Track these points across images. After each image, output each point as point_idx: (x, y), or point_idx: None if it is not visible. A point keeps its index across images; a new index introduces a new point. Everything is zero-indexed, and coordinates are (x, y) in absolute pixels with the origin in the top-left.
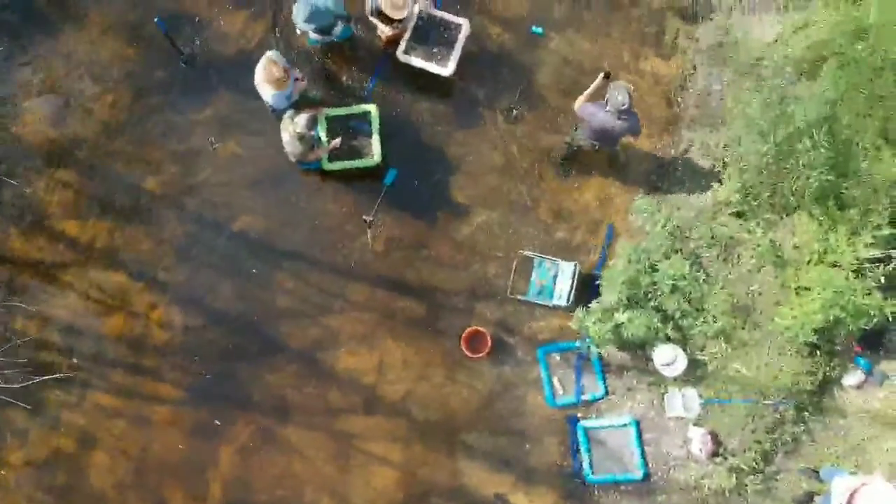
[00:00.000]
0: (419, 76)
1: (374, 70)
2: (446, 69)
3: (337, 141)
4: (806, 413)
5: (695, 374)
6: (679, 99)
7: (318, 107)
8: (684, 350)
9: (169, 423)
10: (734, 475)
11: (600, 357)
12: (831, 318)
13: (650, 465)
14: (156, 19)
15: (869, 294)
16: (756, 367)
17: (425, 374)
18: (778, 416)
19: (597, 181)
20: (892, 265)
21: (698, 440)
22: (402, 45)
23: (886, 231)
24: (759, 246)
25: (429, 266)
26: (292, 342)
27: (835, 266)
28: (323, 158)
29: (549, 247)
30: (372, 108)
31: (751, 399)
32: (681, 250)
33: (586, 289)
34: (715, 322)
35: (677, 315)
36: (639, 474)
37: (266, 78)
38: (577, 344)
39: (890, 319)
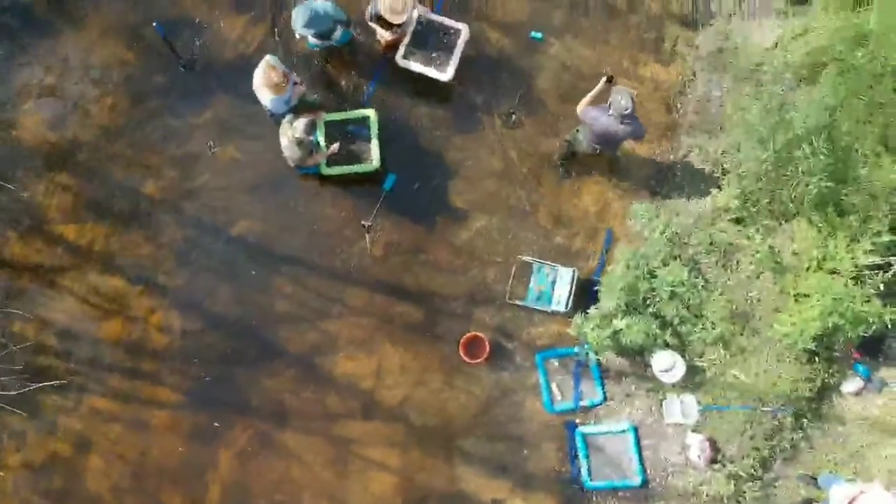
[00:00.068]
0: (418, 81)
1: (373, 75)
2: (445, 74)
3: (335, 146)
4: (804, 420)
5: (693, 380)
6: (678, 105)
7: (317, 111)
8: (683, 356)
9: (167, 427)
10: (732, 482)
11: (599, 363)
12: (830, 325)
13: (648, 472)
14: (154, 24)
15: (868, 301)
16: (755, 374)
17: (423, 380)
18: (776, 423)
19: (596, 186)
20: (891, 272)
21: (696, 447)
22: (402, 50)
23: (886, 238)
24: (758, 252)
25: (427, 271)
26: (291, 347)
27: (834, 273)
28: (321, 163)
29: (548, 252)
30: (371, 113)
31: (749, 406)
32: (679, 256)
33: (585, 294)
34: (713, 328)
35: (676, 321)
36: (637, 481)
37: (265, 82)
38: (576, 350)
39: (889, 327)
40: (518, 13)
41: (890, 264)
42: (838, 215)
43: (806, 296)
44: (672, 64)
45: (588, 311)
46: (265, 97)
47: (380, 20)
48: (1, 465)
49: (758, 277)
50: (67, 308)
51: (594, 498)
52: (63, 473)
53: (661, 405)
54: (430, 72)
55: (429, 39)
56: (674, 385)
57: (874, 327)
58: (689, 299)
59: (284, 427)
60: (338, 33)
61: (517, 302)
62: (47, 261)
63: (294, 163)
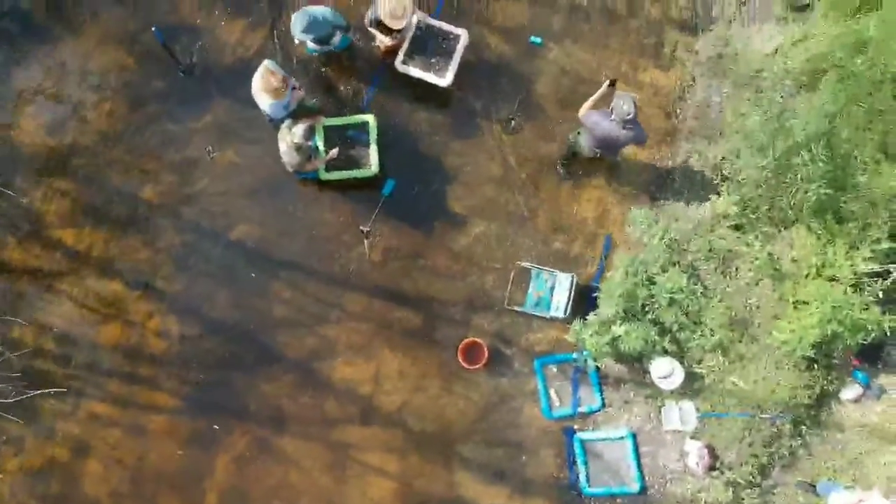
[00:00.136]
0: (417, 86)
1: (372, 80)
2: (444, 80)
3: (334, 152)
4: (803, 427)
5: (692, 387)
6: (678, 110)
7: (316, 116)
8: (681, 363)
9: (165, 432)
10: (731, 489)
11: (597, 369)
12: (829, 332)
13: (647, 479)
14: (153, 29)
15: (867, 309)
16: (753, 381)
17: (422, 385)
18: (775, 430)
19: (595, 192)
20: (890, 280)
21: (695, 454)
22: (401, 56)
23: (885, 245)
24: (757, 259)
25: (426, 276)
26: (289, 352)
27: (833, 280)
28: (320, 168)
29: (547, 258)
30: (370, 119)
31: (748, 413)
32: (678, 263)
33: (584, 300)
34: (712, 335)
35: (675, 328)
36: (635, 487)
37: (263, 87)
38: (574, 356)
39: (888, 334)
40: (517, 18)
41: (889, 272)
42: (837, 222)
43: (805, 303)
44: (672, 69)
45: (587, 317)
46: (264, 102)
47: (379, 25)
48: None
49: (757, 284)
50: (66, 313)
51: None
52: (61, 478)
53: (660, 412)
54: (430, 77)
55: (428, 45)
56: (672, 392)
57: (873, 335)
58: (687, 306)
59: (283, 432)
60: (337, 38)
61: (516, 308)
62: (46, 265)
63: (293, 168)
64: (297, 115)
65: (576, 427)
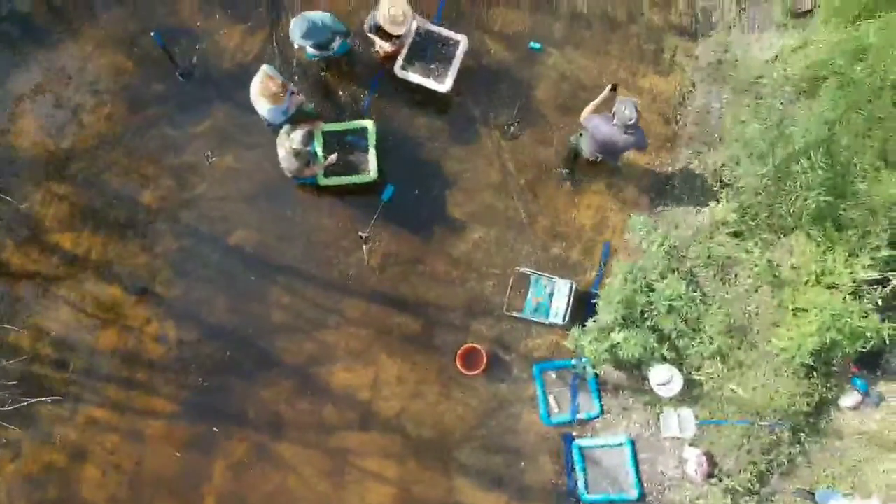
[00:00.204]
0: (416, 91)
1: (372, 85)
2: (444, 85)
3: (333, 157)
4: (802, 434)
5: (691, 394)
6: (677, 116)
7: (315, 121)
8: (680, 370)
9: (163, 437)
10: (729, 496)
11: (596, 376)
12: (828, 340)
13: (645, 486)
14: (152, 33)
15: (866, 316)
16: (752, 388)
17: (420, 391)
18: (774, 438)
19: (594, 197)
20: (889, 287)
21: (694, 461)
22: (400, 61)
23: (884, 253)
24: (756, 266)
25: (425, 282)
26: (287, 357)
27: (832, 288)
28: (319, 174)
29: (546, 264)
30: (369, 124)
31: (747, 420)
32: (677, 270)
33: (583, 307)
34: (711, 342)
35: (674, 335)
36: (634, 494)
37: (262, 92)
38: (573, 363)
39: (887, 342)
40: (517, 24)
41: (888, 279)
42: (837, 230)
43: (804, 310)
44: (671, 75)
45: (585, 324)
46: (262, 107)
47: (379, 31)
48: None
49: (756, 291)
50: (63, 317)
51: None
52: (59, 483)
53: (659, 419)
54: (429, 83)
55: (427, 50)
56: (671, 399)
57: (872, 342)
58: (686, 313)
59: (281, 438)
60: (336, 44)
61: (515, 314)
62: (44, 270)
63: (291, 173)
64: (295, 120)
65: (574, 433)
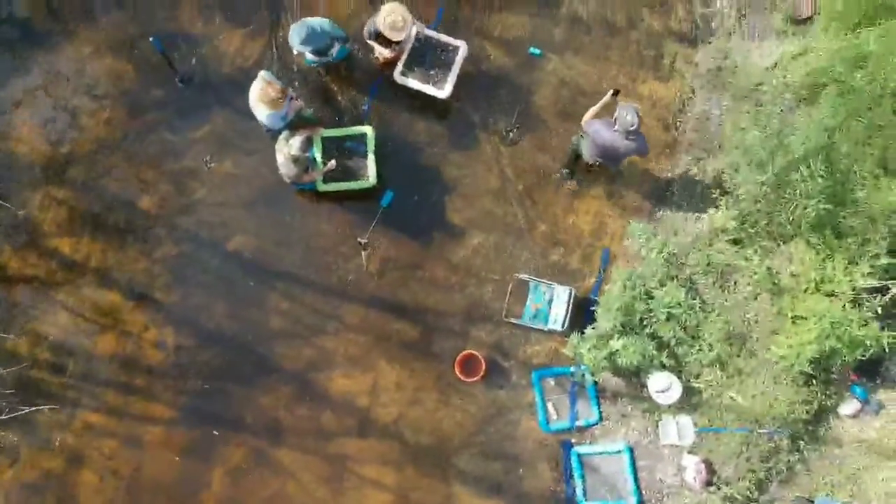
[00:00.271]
0: (416, 97)
1: (371, 91)
2: (443, 91)
3: (332, 163)
4: (801, 442)
5: (690, 401)
6: (677, 122)
7: (314, 127)
8: (679, 377)
9: (161, 443)
10: None
11: (595, 383)
12: (827, 348)
13: (644, 493)
14: (151, 38)
15: (865, 325)
16: (751, 396)
17: (419, 398)
18: (773, 445)
19: (593, 204)
20: (889, 296)
21: (692, 468)
22: (399, 67)
23: (884, 261)
24: (755, 274)
25: (424, 288)
26: (286, 363)
27: (831, 295)
28: (318, 179)
29: (545, 270)
30: (368, 130)
31: (746, 428)
32: (677, 277)
33: (582, 313)
34: (710, 350)
35: (672, 342)
36: (632, 502)
37: (261, 98)
38: (572, 370)
39: (887, 350)
40: (517, 29)
41: (888, 287)
42: (836, 238)
43: (803, 318)
44: (671, 81)
45: (584, 330)
46: (261, 113)
47: (379, 37)
48: None
49: (755, 299)
50: (61, 323)
51: None
52: (56, 489)
53: (657, 426)
54: (428, 89)
55: (427, 56)
56: (670, 406)
57: (871, 350)
58: (685, 320)
59: (279, 444)
60: (335, 50)
61: (513, 320)
62: (42, 275)
63: (290, 179)
64: (294, 125)
65: (573, 440)
